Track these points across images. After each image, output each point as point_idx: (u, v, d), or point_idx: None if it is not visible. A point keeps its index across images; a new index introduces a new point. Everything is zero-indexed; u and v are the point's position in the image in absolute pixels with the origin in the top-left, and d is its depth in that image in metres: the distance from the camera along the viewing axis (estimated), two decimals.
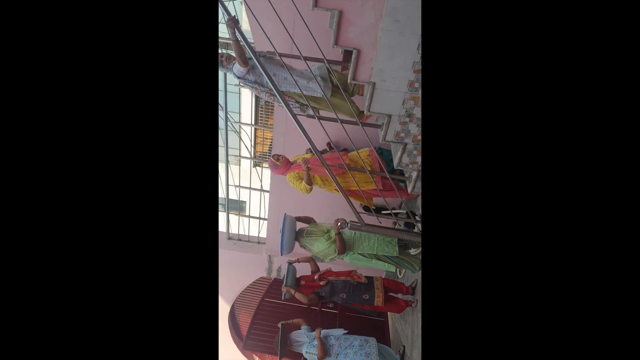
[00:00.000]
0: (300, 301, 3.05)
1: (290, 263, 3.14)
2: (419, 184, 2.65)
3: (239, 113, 7.71)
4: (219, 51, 2.81)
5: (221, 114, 4.08)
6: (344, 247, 2.76)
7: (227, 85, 3.74)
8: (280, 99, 2.12)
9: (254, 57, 2.07)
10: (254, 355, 5.94)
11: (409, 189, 2.71)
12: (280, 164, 2.96)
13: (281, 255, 2.90)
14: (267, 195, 4.36)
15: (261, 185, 4.73)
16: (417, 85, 2.11)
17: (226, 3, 2.03)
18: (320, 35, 2.41)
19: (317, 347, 2.99)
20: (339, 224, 2.66)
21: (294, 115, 2.15)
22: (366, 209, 3.32)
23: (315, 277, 3.08)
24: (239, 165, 7.76)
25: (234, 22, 2.16)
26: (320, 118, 2.36)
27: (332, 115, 2.33)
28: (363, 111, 2.49)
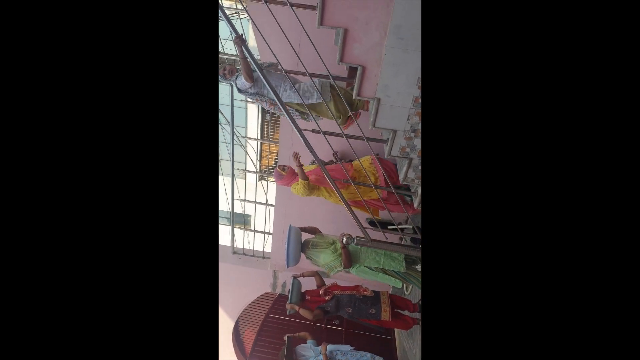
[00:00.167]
0: (305, 318, 3.00)
1: (295, 277, 3.11)
2: None
3: (245, 127, 7.81)
4: (223, 63, 2.84)
5: (228, 128, 4.13)
6: (350, 260, 2.75)
7: (234, 100, 3.80)
8: (282, 109, 2.15)
9: (260, 74, 2.10)
10: None
11: (415, 204, 2.69)
12: (286, 174, 2.95)
13: (287, 267, 2.87)
14: (272, 209, 4.36)
15: (266, 199, 4.73)
16: (422, 101, 2.12)
17: (233, 21, 2.08)
18: (325, 52, 2.45)
19: None
20: (344, 239, 2.64)
21: (296, 125, 2.17)
22: (372, 224, 3.29)
23: (321, 291, 3.04)
24: (245, 179, 7.80)
25: (241, 40, 2.21)
26: (326, 133, 2.37)
27: (336, 129, 2.35)
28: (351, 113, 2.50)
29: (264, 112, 6.43)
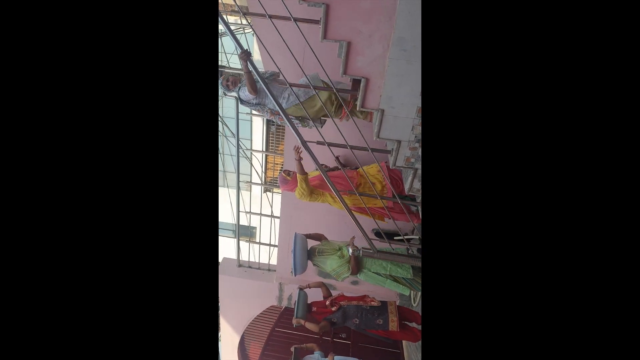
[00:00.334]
0: (312, 331, 2.96)
1: (301, 289, 3.08)
2: None
3: (251, 140, 7.87)
4: (226, 75, 2.85)
5: (233, 140, 4.17)
6: (358, 267, 2.75)
7: (239, 113, 3.85)
8: (284, 117, 2.17)
9: (265, 87, 2.13)
10: None
11: (421, 214, 2.67)
12: (291, 179, 2.95)
13: (295, 275, 2.85)
14: (277, 221, 4.35)
15: (272, 211, 4.73)
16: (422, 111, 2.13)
17: (238, 36, 2.12)
18: (329, 64, 2.48)
19: None
20: (351, 250, 2.62)
21: (297, 131, 2.19)
22: (378, 235, 3.27)
23: (327, 302, 3.00)
24: (250, 191, 7.82)
25: (246, 55, 2.25)
26: (330, 144, 2.38)
27: (341, 140, 2.35)
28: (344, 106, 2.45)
29: (269, 124, 6.48)
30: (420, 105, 2.12)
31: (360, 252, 2.52)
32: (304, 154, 2.42)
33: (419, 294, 3.64)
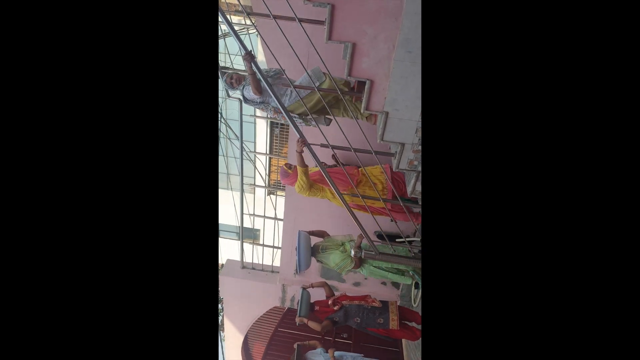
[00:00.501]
0: (314, 330, 2.99)
1: (304, 289, 3.12)
2: None
3: (254, 142, 7.90)
4: (229, 72, 2.84)
5: (237, 143, 4.18)
6: (361, 260, 2.81)
7: (243, 115, 3.86)
8: (286, 117, 2.17)
9: (268, 88, 2.14)
10: None
11: (421, 215, 2.66)
12: (292, 172, 2.95)
13: (299, 271, 2.88)
14: (281, 223, 4.35)
15: (275, 214, 4.73)
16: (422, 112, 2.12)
17: (242, 36, 2.13)
18: (333, 66, 2.48)
19: None
20: (353, 252, 2.64)
21: (299, 130, 2.18)
22: (380, 237, 3.26)
23: (330, 302, 3.04)
24: (254, 193, 7.83)
25: (250, 57, 2.25)
26: (334, 147, 2.38)
27: (344, 143, 2.35)
28: (362, 113, 2.40)
29: (272, 126, 6.50)
30: None
31: (362, 253, 2.52)
32: (305, 152, 2.41)
33: (419, 294, 3.64)
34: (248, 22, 4.16)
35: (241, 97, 2.82)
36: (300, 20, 2.05)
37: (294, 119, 2.74)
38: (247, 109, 2.98)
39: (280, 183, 7.17)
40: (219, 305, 5.82)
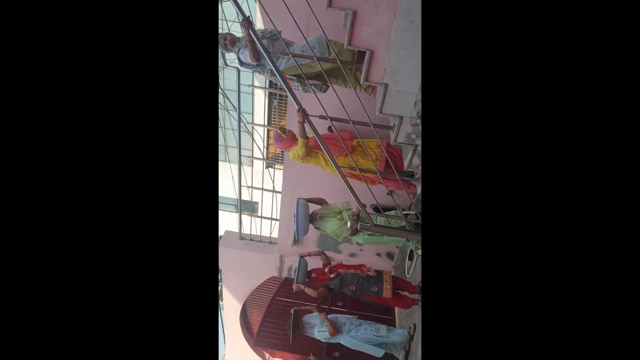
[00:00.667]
0: (310, 297, 3.12)
1: (301, 257, 3.23)
2: None
3: (252, 114, 7.80)
4: (224, 34, 2.68)
5: (235, 114, 4.14)
6: (356, 230, 2.89)
7: (241, 86, 3.79)
8: (281, 81, 2.12)
9: (266, 57, 2.10)
10: (264, 352, 5.98)
11: (418, 191, 2.70)
12: (287, 137, 2.92)
13: (297, 237, 2.97)
14: (279, 196, 4.39)
15: (273, 187, 4.77)
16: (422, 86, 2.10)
17: (240, 1, 2.06)
18: (333, 36, 2.43)
19: (327, 325, 3.14)
20: (349, 224, 2.70)
21: (294, 96, 2.16)
22: (376, 210, 3.32)
23: (326, 270, 3.16)
24: (252, 166, 7.83)
25: (248, 23, 2.19)
26: (333, 119, 2.37)
27: (344, 115, 2.34)
28: (361, 83, 2.35)
29: (271, 97, 6.39)
30: None
31: (359, 225, 2.58)
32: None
33: (413, 264, 3.76)
34: None
35: (237, 61, 2.73)
36: None
37: (291, 80, 2.68)
38: (245, 78, 2.93)
39: (279, 156, 7.15)
40: (218, 276, 5.98)
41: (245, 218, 4.89)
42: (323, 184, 3.87)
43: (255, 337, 4.75)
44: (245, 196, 4.89)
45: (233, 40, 2.64)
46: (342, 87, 2.70)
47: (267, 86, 6.24)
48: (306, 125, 2.35)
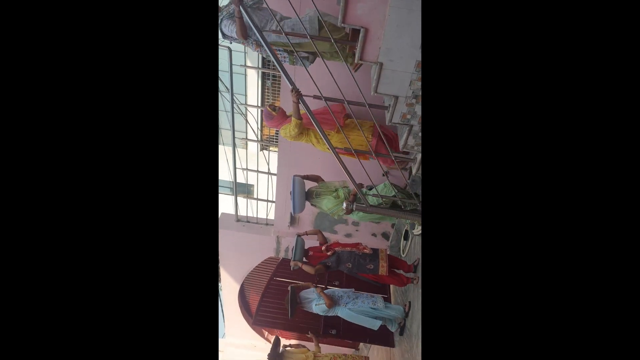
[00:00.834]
0: (308, 274, 3.19)
1: (299, 236, 3.27)
2: None
3: (245, 95, 7.67)
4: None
5: (227, 96, 4.06)
6: (350, 211, 2.90)
7: (233, 66, 3.71)
8: (269, 52, 2.07)
9: (258, 34, 2.04)
10: (263, 330, 6.15)
11: (414, 171, 2.71)
12: (277, 114, 2.91)
13: (294, 214, 2.99)
14: (274, 178, 4.39)
15: (268, 169, 4.75)
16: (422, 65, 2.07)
17: None
18: (326, 10, 2.36)
19: (323, 298, 3.23)
20: (345, 205, 2.72)
21: (284, 70, 2.12)
22: (371, 189, 3.34)
23: (323, 248, 3.21)
24: (246, 148, 7.76)
25: (239, 0, 2.12)
26: (328, 99, 2.35)
27: (339, 95, 2.31)
28: (353, 59, 2.29)
29: (264, 78, 6.28)
30: (419, 59, 2.06)
31: (354, 206, 2.61)
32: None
33: (408, 244, 3.83)
34: None
35: (220, 32, 2.64)
36: None
37: (279, 52, 2.61)
38: (237, 58, 2.86)
39: (273, 139, 7.09)
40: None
41: (241, 200, 4.90)
42: (318, 166, 3.87)
43: (254, 316, 4.86)
44: (241, 179, 4.89)
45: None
46: (333, 61, 2.64)
47: (260, 66, 6.10)
48: (300, 105, 2.32)
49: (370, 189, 2.96)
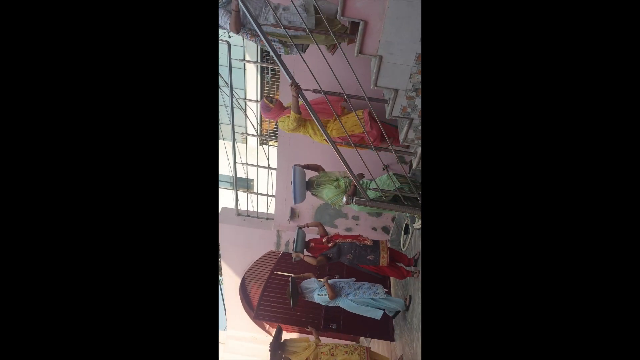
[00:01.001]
0: (309, 265, 3.20)
1: (300, 228, 3.28)
2: None
3: (244, 89, 7.63)
4: None
5: (226, 90, 4.05)
6: (353, 197, 2.92)
7: (232, 60, 3.69)
8: (265, 41, 2.06)
9: (257, 29, 2.02)
10: (264, 324, 6.20)
11: (414, 165, 2.71)
12: (274, 106, 2.91)
13: (295, 203, 3.00)
14: (274, 172, 4.39)
15: (268, 163, 4.75)
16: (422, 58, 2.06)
17: None
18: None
19: (327, 289, 3.25)
20: (345, 199, 2.73)
21: (280, 59, 2.11)
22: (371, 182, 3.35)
23: (324, 239, 3.22)
24: (246, 143, 7.75)
25: None
26: (327, 93, 2.34)
27: (337, 88, 2.30)
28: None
29: (263, 72, 6.25)
30: (419, 52, 2.05)
31: (354, 200, 2.61)
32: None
33: (408, 238, 3.84)
34: None
35: (228, 43, 2.65)
36: None
37: (273, 42, 2.59)
38: (236, 53, 2.84)
39: (273, 133, 7.08)
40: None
41: (242, 195, 4.90)
42: (318, 160, 3.86)
43: (256, 310, 4.90)
44: (241, 173, 4.89)
45: None
46: (324, 44, 2.61)
47: (259, 60, 6.06)
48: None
49: (371, 182, 2.97)
